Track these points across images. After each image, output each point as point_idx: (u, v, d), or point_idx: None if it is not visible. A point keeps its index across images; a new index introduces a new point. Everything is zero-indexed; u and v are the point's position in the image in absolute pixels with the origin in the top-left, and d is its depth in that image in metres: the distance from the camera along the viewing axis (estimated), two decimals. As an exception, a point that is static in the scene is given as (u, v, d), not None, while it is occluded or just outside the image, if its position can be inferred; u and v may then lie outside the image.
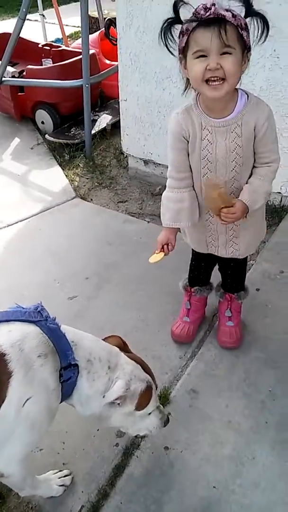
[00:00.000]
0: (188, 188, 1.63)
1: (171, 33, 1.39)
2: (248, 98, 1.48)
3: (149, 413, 1.44)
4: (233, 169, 1.55)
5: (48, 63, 4.01)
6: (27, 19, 3.35)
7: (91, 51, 3.30)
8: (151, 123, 2.91)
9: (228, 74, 1.34)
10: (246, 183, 1.58)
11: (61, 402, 1.32)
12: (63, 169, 3.36)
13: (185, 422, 1.74)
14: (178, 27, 1.37)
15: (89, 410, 1.36)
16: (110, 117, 3.84)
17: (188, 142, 1.55)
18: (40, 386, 1.22)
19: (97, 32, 4.30)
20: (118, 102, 3.07)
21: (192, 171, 1.61)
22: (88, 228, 2.82)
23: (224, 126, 1.48)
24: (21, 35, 3.42)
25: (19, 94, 3.77)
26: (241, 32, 1.31)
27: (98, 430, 1.70)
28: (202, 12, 1.30)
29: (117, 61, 2.92)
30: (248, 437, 1.69)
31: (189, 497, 1.53)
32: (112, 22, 3.87)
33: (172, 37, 1.40)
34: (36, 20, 5.59)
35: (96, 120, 3.80)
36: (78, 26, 5.43)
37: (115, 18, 2.83)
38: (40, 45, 4.11)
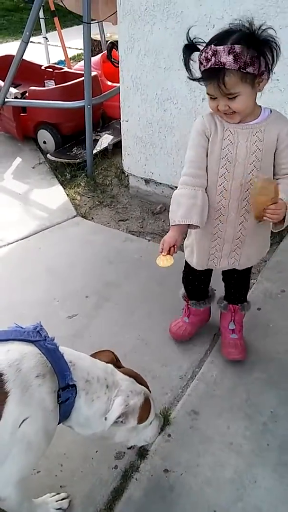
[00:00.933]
0: (201, 187, 1.63)
1: (189, 59, 1.46)
2: (271, 112, 1.56)
3: (150, 423, 1.45)
4: (251, 172, 1.57)
5: (50, 84, 4.07)
6: (31, 41, 3.42)
7: (93, 73, 3.36)
8: (152, 143, 2.94)
9: (238, 111, 1.47)
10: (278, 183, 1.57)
11: (59, 423, 1.30)
12: (64, 188, 3.38)
13: (186, 443, 1.72)
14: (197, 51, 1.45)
15: (90, 430, 1.34)
16: (111, 137, 3.89)
17: (209, 140, 1.58)
18: (37, 406, 1.20)
19: (99, 55, 4.39)
20: (120, 123, 3.11)
21: (207, 173, 1.63)
22: (88, 246, 2.82)
23: (247, 128, 1.53)
24: (25, 56, 3.48)
25: (22, 114, 3.83)
26: (246, 71, 1.36)
27: (96, 452, 1.67)
28: (204, 62, 1.38)
29: (118, 82, 2.97)
30: (249, 460, 1.66)
31: (189, 522, 1.49)
32: (114, 45, 3.94)
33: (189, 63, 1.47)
34: (39, 43, 5.70)
35: (98, 140, 3.85)
36: (80, 49, 5.56)
37: (117, 41, 2.89)
38: (43, 67, 4.18)
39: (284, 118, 1.56)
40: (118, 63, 2.89)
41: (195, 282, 1.99)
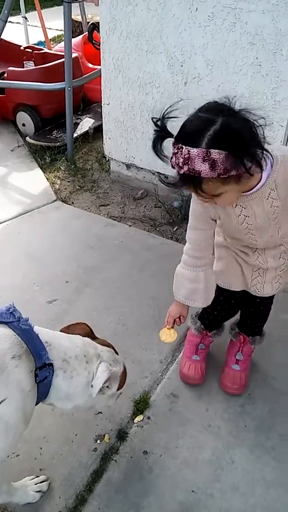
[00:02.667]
0: (205, 267, 1.54)
1: (161, 144, 1.23)
2: (273, 159, 1.28)
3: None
4: (275, 224, 1.44)
5: (30, 65, 3.98)
6: (9, 21, 3.32)
7: (73, 55, 3.30)
8: (134, 127, 2.91)
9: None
10: None
11: (37, 403, 1.30)
12: (44, 172, 3.33)
13: (165, 426, 1.74)
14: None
15: (71, 404, 1.36)
16: (92, 120, 3.84)
17: (216, 221, 1.48)
18: (15, 387, 1.20)
19: (80, 36, 4.30)
20: (101, 106, 3.07)
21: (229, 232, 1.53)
22: (69, 231, 2.80)
23: (258, 196, 1.33)
24: (3, 36, 3.39)
25: (0, 95, 3.74)
26: (227, 175, 1.13)
27: (76, 435, 1.68)
28: (176, 168, 1.17)
29: (100, 65, 2.92)
30: (227, 441, 1.70)
31: (167, 502, 1.52)
32: (95, 26, 3.87)
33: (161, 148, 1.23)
34: (18, 23, 5.56)
35: (79, 123, 3.79)
36: (61, 30, 5.43)
37: (98, 23, 2.84)
38: (22, 48, 4.08)
39: (287, 166, 1.31)
40: (99, 45, 2.84)
41: (224, 305, 1.79)
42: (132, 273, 2.43)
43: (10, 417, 1.20)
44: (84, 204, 3.04)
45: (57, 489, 1.54)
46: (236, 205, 1.36)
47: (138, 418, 1.75)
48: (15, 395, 1.20)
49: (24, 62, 4.04)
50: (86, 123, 3.79)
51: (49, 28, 5.24)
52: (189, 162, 1.12)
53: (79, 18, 4.82)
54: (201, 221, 1.48)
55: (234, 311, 1.85)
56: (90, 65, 4.00)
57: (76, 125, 3.71)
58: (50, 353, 1.27)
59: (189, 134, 1.13)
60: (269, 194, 1.33)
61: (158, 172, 2.97)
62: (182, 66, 2.54)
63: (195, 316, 1.91)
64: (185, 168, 1.13)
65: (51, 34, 5.77)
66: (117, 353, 1.50)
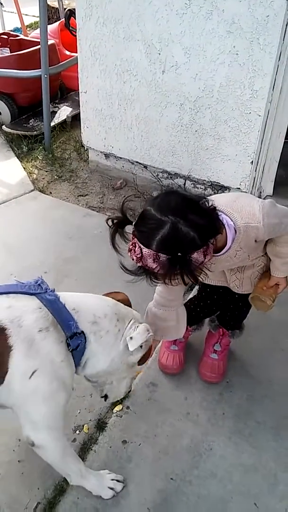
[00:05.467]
0: (176, 306, 1.61)
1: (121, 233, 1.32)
2: (236, 228, 1.37)
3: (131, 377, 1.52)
4: (241, 261, 1.52)
5: (5, 52, 3.88)
6: (-16, 6, 3.24)
7: (50, 41, 3.23)
8: (112, 116, 2.88)
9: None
10: (273, 253, 1.53)
11: (76, 370, 1.35)
12: (21, 161, 3.27)
13: (144, 415, 1.74)
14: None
15: (99, 367, 1.38)
16: (70, 109, 3.78)
17: None
18: (44, 359, 1.23)
19: (57, 23, 4.21)
20: (79, 94, 3.02)
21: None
22: (47, 221, 2.76)
23: (226, 256, 1.42)
24: (-23, 21, 3.30)
25: (-25, 83, 3.65)
26: (178, 271, 1.23)
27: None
28: (132, 260, 1.28)
29: (77, 52, 2.87)
30: (205, 429, 1.71)
31: (147, 490, 1.53)
32: (72, 12, 3.79)
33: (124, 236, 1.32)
34: (-7, 8, 5.41)
35: (56, 112, 3.73)
36: (37, 16, 5.31)
37: (75, 9, 2.78)
38: (-3, 34, 3.98)
39: (251, 229, 1.38)
40: (76, 32, 2.79)
41: (207, 300, 1.84)
42: (111, 264, 2.39)
43: (46, 386, 1.24)
44: (62, 194, 3.01)
45: (36, 480, 1.53)
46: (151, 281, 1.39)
47: (117, 408, 1.75)
48: (46, 366, 1.24)
49: (-1, 48, 3.95)
50: (64, 112, 3.74)
51: (26, 14, 5.11)
52: (142, 260, 1.24)
53: (56, 4, 4.72)
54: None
55: (217, 308, 1.87)
56: (67, 52, 3.93)
57: (53, 113, 3.65)
58: (78, 320, 1.30)
59: (143, 233, 1.24)
60: (236, 254, 1.43)
61: (137, 162, 2.95)
62: (159, 54, 2.51)
63: None
64: (139, 263, 1.26)
65: (27, 21, 5.64)
66: None
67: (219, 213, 1.33)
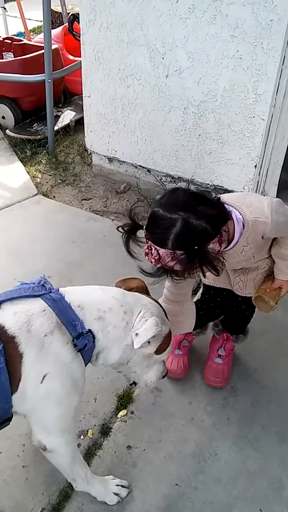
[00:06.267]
0: (185, 301, 1.62)
1: (134, 237, 1.35)
2: (244, 222, 1.38)
3: (161, 361, 1.47)
4: (247, 260, 1.53)
5: (9, 56, 3.90)
6: (-12, 11, 3.25)
7: (54, 46, 3.25)
8: (115, 120, 2.89)
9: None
10: (278, 256, 1.55)
11: (86, 365, 1.33)
12: (24, 165, 3.28)
13: (148, 420, 1.74)
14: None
15: (111, 360, 1.37)
16: (73, 113, 3.79)
17: None
18: (54, 362, 1.23)
19: (61, 27, 4.23)
20: (82, 98, 3.03)
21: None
22: (50, 225, 2.76)
23: (232, 252, 1.43)
24: (-19, 26, 3.32)
25: (-21, 87, 3.66)
26: (196, 265, 1.26)
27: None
28: (151, 260, 1.29)
29: (80, 56, 2.88)
30: (210, 434, 1.71)
31: (151, 496, 1.52)
32: (76, 17, 3.81)
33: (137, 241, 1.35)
34: (-3, 13, 5.43)
35: (60, 116, 3.74)
36: (40, 21, 5.33)
37: (79, 14, 2.80)
38: (0, 38, 4.00)
39: (260, 223, 1.39)
40: (80, 36, 2.80)
41: (210, 303, 1.83)
42: (115, 268, 2.42)
43: (58, 389, 1.25)
44: (66, 198, 3.01)
45: (40, 485, 1.53)
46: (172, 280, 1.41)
47: (122, 413, 1.75)
48: (56, 369, 1.24)
49: (3, 53, 3.96)
50: (67, 116, 3.75)
51: (29, 19, 5.13)
52: (161, 261, 1.27)
53: (59, 9, 4.74)
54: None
55: (220, 311, 1.86)
56: (71, 57, 3.94)
57: (57, 117, 3.66)
58: (83, 317, 1.28)
59: (156, 235, 1.26)
60: (243, 249, 1.44)
61: (140, 166, 2.96)
62: (163, 58, 2.52)
63: None
64: (159, 264, 1.28)
65: (31, 25, 5.67)
66: (167, 317, 1.45)
67: (229, 207, 1.36)
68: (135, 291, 1.44)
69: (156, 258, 1.27)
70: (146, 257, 1.31)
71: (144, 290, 1.48)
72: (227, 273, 1.66)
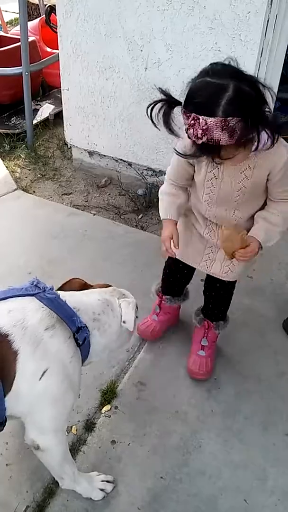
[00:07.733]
0: (184, 188, 1.62)
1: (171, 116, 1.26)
2: (267, 140, 1.28)
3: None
4: (235, 202, 1.51)
5: (-15, 49, 3.83)
6: None
7: (30, 38, 3.19)
8: (95, 113, 2.86)
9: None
10: (262, 216, 1.52)
11: (83, 364, 1.35)
12: (3, 160, 3.23)
13: (133, 414, 1.74)
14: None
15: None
16: (52, 106, 3.75)
17: (194, 167, 1.51)
18: (54, 357, 1.22)
19: (38, 19, 4.17)
20: (61, 91, 2.99)
21: (193, 190, 1.61)
22: (30, 221, 2.73)
23: (235, 164, 1.36)
24: None
25: None
26: (244, 140, 1.19)
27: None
28: (194, 138, 1.19)
29: (58, 49, 2.84)
30: (194, 426, 1.71)
31: (136, 489, 1.52)
32: (53, 9, 3.76)
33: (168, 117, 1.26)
34: (-28, 4, 5.32)
35: (38, 109, 3.70)
36: (17, 13, 5.25)
37: (55, 5, 2.75)
38: (-24, 30, 3.92)
39: (278, 151, 1.34)
40: (57, 28, 2.75)
41: (177, 275, 1.87)
42: (97, 263, 2.41)
43: (56, 387, 1.23)
44: (46, 193, 2.98)
45: (25, 483, 1.52)
46: (212, 161, 1.33)
47: (106, 408, 1.74)
48: (56, 365, 1.22)
49: (-21, 45, 3.88)
50: (46, 109, 3.71)
51: (5, 11, 5.05)
52: (208, 133, 1.14)
53: (36, 1, 4.67)
54: (183, 161, 1.50)
55: (187, 279, 1.92)
56: (49, 49, 3.89)
57: (35, 111, 3.62)
58: (81, 317, 1.30)
59: (203, 103, 1.14)
60: (244, 171, 1.38)
61: (121, 159, 2.94)
62: (141, 50, 2.50)
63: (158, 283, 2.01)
64: (204, 138, 1.15)
65: (7, 17, 5.57)
66: None
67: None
68: (84, 289, 1.47)
69: (204, 128, 1.14)
70: (188, 132, 1.18)
71: (87, 285, 1.51)
72: (197, 247, 1.70)
